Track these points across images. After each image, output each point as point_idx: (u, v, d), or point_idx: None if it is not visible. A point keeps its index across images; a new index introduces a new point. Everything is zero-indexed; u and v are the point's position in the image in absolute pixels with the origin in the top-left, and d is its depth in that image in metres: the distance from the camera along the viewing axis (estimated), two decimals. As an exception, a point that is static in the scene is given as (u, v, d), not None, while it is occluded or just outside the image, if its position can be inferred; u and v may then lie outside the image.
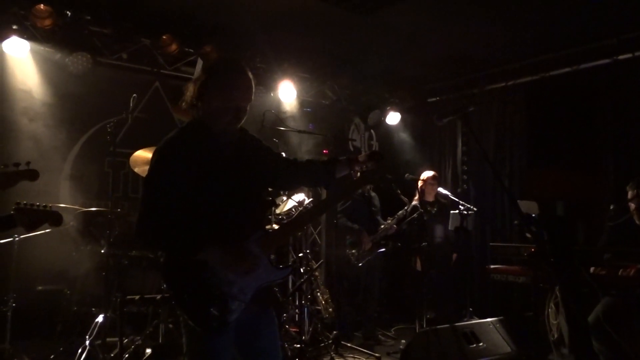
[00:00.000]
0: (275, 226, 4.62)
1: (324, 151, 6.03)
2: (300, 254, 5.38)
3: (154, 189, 2.04)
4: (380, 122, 7.12)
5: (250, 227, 2.19)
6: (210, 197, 2.08)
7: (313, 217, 3.01)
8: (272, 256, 2.41)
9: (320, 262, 5.52)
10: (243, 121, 2.21)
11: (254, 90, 2.20)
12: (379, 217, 5.83)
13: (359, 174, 2.39)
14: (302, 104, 6.68)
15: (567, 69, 5.90)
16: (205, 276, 2.04)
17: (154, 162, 2.07)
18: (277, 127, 5.25)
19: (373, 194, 5.93)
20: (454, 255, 5.83)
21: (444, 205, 5.76)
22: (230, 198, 2.12)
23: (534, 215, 4.56)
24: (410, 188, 5.76)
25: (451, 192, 5.82)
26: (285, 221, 4.76)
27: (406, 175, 5.54)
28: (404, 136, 7.47)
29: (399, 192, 5.09)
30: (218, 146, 2.15)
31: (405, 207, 5.50)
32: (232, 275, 2.07)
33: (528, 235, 4.58)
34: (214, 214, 2.09)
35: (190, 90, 2.17)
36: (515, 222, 5.97)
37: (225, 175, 2.13)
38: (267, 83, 6.10)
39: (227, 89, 2.10)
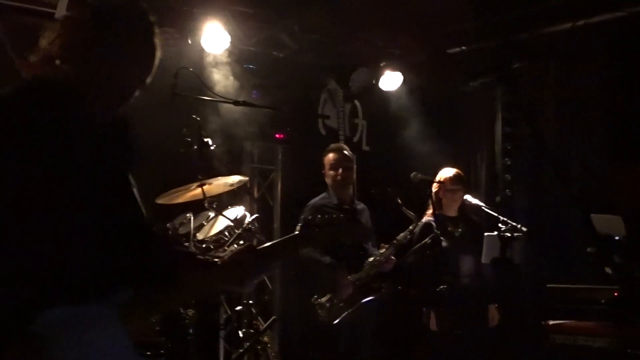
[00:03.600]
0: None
1: (277, 135, 6.00)
2: (239, 307, 5.41)
3: None
4: (370, 87, 7.15)
5: (103, 278, 2.17)
6: (40, 216, 2.05)
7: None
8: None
9: (271, 319, 5.55)
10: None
11: (158, 54, 2.33)
12: (367, 245, 5.77)
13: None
14: (241, 57, 6.69)
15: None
16: None
17: None
18: (198, 96, 5.21)
19: (360, 205, 5.92)
20: (492, 307, 5.85)
21: (474, 223, 5.84)
22: (80, 221, 2.11)
23: (618, 238, 4.55)
24: (419, 196, 5.72)
25: (486, 203, 5.85)
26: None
27: (412, 175, 5.50)
28: (409, 111, 7.47)
29: (400, 202, 5.13)
30: (79, 133, 2.17)
31: (411, 227, 5.50)
32: None
33: (609, 270, 4.66)
34: (43, 252, 2.07)
35: (48, 36, 2.24)
36: (589, 249, 5.95)
37: (81, 181, 2.13)
38: (181, 22, 6.10)
39: (120, 54, 2.24)
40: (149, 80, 2.37)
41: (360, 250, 5.70)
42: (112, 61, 2.24)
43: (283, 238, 2.72)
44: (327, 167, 5.69)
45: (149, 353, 4.24)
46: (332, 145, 5.86)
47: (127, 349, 2.23)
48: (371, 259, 5.54)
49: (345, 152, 5.77)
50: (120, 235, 2.28)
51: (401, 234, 5.55)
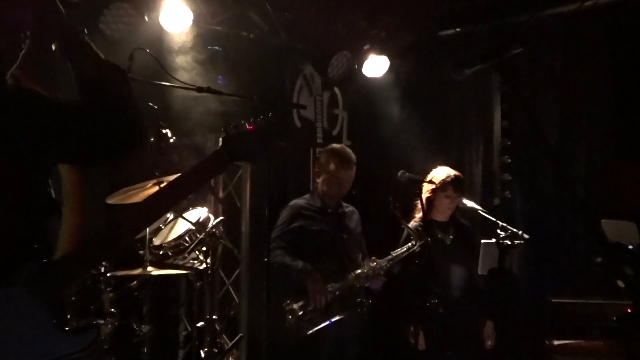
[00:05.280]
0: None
1: (248, 127, 5.98)
2: (201, 323, 5.40)
3: None
4: (352, 73, 7.15)
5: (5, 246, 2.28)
6: None
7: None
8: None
9: (237, 337, 5.66)
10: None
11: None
12: (357, 254, 5.77)
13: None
14: (205, 38, 6.67)
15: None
16: None
17: None
18: (156, 82, 5.12)
19: (349, 208, 5.91)
20: (487, 324, 5.88)
21: (467, 229, 5.91)
22: None
23: (631, 246, 4.62)
24: (407, 198, 5.75)
25: (482, 206, 5.88)
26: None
27: (400, 174, 5.49)
28: (395, 100, 7.53)
29: (399, 214, 5.20)
30: None
31: (410, 245, 5.45)
32: None
33: (620, 283, 4.70)
34: None
35: None
36: (598, 259, 6.05)
37: None
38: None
39: None
40: None
41: (348, 261, 5.67)
42: None
43: (206, 157, 2.95)
44: (327, 175, 5.62)
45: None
46: (344, 155, 5.66)
47: (46, 327, 2.31)
48: (358, 271, 5.49)
49: (355, 167, 5.67)
50: (15, 212, 2.32)
51: (398, 250, 5.51)
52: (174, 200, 3.10)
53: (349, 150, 5.66)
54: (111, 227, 2.65)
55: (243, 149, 3.01)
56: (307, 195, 5.81)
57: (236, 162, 3.07)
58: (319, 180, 5.69)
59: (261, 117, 3.12)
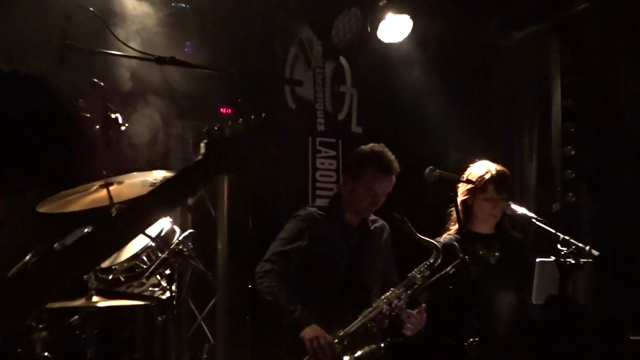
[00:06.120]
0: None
1: (223, 110, 5.98)
2: None
3: None
4: (363, 38, 7.25)
5: None
6: None
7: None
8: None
9: None
10: None
11: None
12: (380, 285, 5.77)
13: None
14: None
15: None
16: None
17: None
18: (102, 50, 5.18)
19: (378, 222, 5.98)
20: None
21: (518, 244, 5.96)
22: None
23: None
24: (436, 202, 5.82)
25: (537, 213, 5.86)
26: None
27: (428, 171, 5.43)
28: (421, 74, 7.59)
29: (409, 225, 5.22)
30: None
31: (431, 260, 5.46)
32: None
33: None
34: None
35: None
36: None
37: None
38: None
39: None
40: None
41: (361, 289, 5.70)
42: None
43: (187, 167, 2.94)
44: (358, 183, 5.60)
45: None
46: (385, 160, 5.63)
47: None
48: (373, 306, 5.46)
49: (394, 177, 5.65)
50: None
51: (415, 272, 5.53)
52: (137, 228, 3.11)
53: (391, 156, 5.64)
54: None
55: (227, 158, 3.00)
56: (325, 203, 5.76)
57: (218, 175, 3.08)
58: (346, 189, 5.69)
59: (251, 117, 3.09)
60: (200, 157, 2.91)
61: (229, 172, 3.04)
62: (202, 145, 2.94)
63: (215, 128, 2.98)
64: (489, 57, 7.59)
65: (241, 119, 3.03)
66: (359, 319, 5.44)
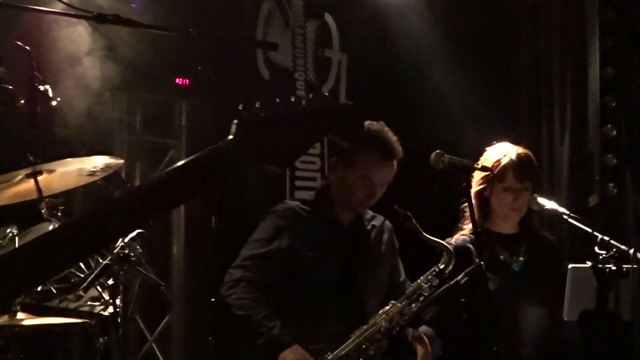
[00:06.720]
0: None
1: (179, 80, 5.98)
2: None
3: None
4: None
5: None
6: None
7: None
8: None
9: None
10: None
11: None
12: (381, 296, 5.79)
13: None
14: None
15: None
16: None
17: None
18: (28, 6, 5.14)
19: (376, 220, 6.01)
20: None
21: (547, 247, 5.98)
22: None
23: None
24: (444, 195, 5.79)
25: (570, 209, 5.83)
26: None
27: (435, 156, 5.44)
28: (427, 37, 7.59)
29: (408, 218, 5.21)
30: None
31: (441, 266, 5.46)
32: None
33: None
34: None
35: None
36: None
37: None
38: None
39: None
40: None
41: (354, 302, 5.72)
42: None
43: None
44: (351, 171, 5.55)
45: None
46: (385, 142, 5.60)
47: None
48: (370, 322, 5.43)
49: (396, 163, 5.62)
50: None
51: (421, 280, 5.50)
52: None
53: (393, 137, 5.62)
54: None
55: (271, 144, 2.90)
56: (310, 196, 5.76)
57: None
58: (336, 178, 5.68)
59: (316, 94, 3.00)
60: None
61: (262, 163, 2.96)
62: (233, 124, 2.68)
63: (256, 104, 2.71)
64: (510, 15, 7.62)
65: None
66: (351, 338, 5.43)
